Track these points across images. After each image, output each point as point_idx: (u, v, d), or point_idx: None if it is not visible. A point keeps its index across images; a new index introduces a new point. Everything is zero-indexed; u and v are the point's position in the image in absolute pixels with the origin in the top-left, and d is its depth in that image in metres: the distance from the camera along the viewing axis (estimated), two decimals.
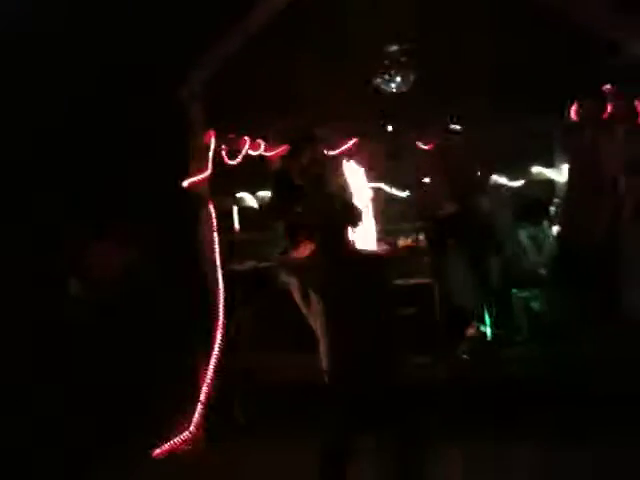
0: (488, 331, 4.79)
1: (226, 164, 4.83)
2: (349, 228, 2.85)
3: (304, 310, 2.90)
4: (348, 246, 2.81)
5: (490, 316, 4.83)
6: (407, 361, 4.48)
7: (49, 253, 4.82)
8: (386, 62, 4.61)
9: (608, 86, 4.44)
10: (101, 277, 4.91)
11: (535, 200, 5.41)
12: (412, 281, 5.04)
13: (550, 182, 5.79)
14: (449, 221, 5.13)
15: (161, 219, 5.12)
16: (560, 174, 5.60)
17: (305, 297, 2.86)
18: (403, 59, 4.58)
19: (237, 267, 5.27)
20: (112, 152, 5.25)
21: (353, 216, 2.91)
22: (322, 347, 2.79)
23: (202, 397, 4.39)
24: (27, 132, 5.19)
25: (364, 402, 2.69)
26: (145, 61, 5.09)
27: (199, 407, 4.40)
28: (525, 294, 4.85)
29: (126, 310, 4.75)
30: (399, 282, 4.92)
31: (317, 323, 2.83)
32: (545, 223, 5.18)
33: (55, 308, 4.66)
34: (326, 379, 2.74)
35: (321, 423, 2.83)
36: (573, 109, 5.11)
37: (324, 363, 2.76)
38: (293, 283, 2.88)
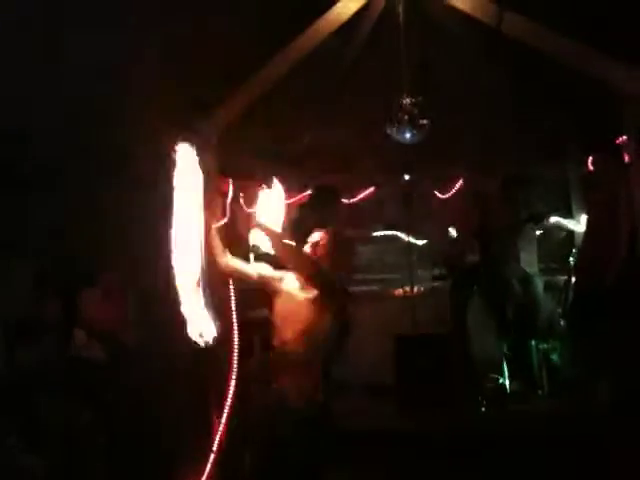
0: (507, 383, 4.71)
1: (243, 211, 4.89)
2: None
3: None
4: None
5: (509, 368, 4.75)
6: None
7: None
8: (399, 114, 4.69)
9: (624, 137, 4.45)
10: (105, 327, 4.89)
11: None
12: (429, 330, 5.01)
13: (569, 233, 5.77)
14: (471, 270, 5.12)
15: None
16: (578, 224, 5.58)
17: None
18: (416, 110, 4.66)
19: (252, 315, 5.27)
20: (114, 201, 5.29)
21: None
22: None
23: (214, 447, 4.34)
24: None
25: None
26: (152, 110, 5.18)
27: (211, 457, 4.34)
28: (544, 346, 4.77)
29: (134, 359, 4.73)
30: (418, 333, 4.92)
31: None
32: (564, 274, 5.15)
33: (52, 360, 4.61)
34: None
35: None
36: (590, 161, 5.13)
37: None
38: None
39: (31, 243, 5.19)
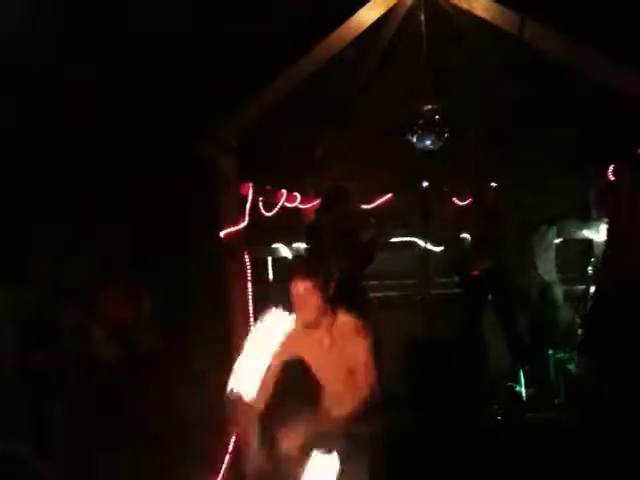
0: (523, 392, 4.70)
1: (262, 215, 4.94)
2: None
3: None
4: None
5: (525, 376, 4.74)
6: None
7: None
8: (420, 120, 4.73)
9: None
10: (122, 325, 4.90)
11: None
12: (443, 336, 5.01)
13: (588, 241, 5.74)
14: (484, 277, 5.10)
15: (193, 270, 5.21)
16: (598, 233, 5.55)
17: None
18: (437, 117, 4.69)
19: None
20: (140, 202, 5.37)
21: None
22: None
23: (230, 447, 4.37)
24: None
25: None
26: (178, 112, 5.24)
27: (227, 457, 4.37)
28: (561, 355, 4.75)
29: (152, 360, 4.76)
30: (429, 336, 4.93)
31: None
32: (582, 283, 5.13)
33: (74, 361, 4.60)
34: None
35: None
36: (610, 170, 5.11)
37: None
38: None
39: (50, 244, 5.28)
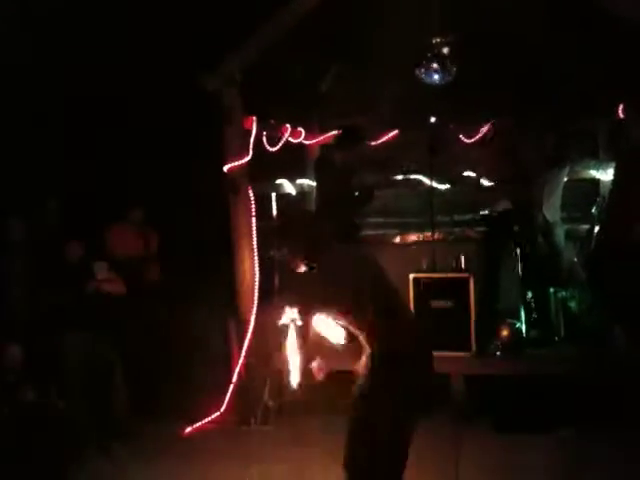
0: (523, 328, 4.75)
1: (266, 151, 4.88)
2: None
3: None
4: None
5: (526, 313, 4.78)
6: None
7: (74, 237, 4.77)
8: (428, 54, 4.59)
9: None
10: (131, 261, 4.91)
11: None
12: (450, 275, 5.01)
13: (595, 181, 5.68)
14: (501, 217, 5.05)
15: (196, 204, 5.22)
16: (606, 173, 5.49)
17: None
18: (445, 51, 4.55)
19: (274, 254, 5.32)
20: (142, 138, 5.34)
21: None
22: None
23: (233, 379, 4.47)
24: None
25: None
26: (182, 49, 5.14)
27: (230, 389, 4.47)
28: (562, 293, 4.78)
29: (157, 294, 4.81)
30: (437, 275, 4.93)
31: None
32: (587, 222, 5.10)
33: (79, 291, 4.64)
34: None
35: None
36: (620, 108, 5.01)
37: None
38: None
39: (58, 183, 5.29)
